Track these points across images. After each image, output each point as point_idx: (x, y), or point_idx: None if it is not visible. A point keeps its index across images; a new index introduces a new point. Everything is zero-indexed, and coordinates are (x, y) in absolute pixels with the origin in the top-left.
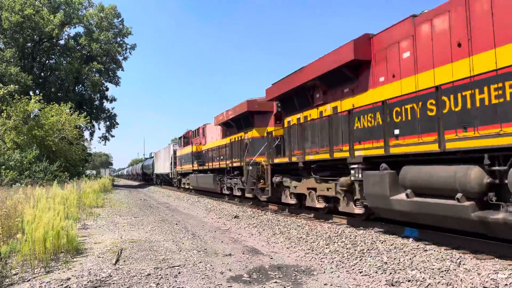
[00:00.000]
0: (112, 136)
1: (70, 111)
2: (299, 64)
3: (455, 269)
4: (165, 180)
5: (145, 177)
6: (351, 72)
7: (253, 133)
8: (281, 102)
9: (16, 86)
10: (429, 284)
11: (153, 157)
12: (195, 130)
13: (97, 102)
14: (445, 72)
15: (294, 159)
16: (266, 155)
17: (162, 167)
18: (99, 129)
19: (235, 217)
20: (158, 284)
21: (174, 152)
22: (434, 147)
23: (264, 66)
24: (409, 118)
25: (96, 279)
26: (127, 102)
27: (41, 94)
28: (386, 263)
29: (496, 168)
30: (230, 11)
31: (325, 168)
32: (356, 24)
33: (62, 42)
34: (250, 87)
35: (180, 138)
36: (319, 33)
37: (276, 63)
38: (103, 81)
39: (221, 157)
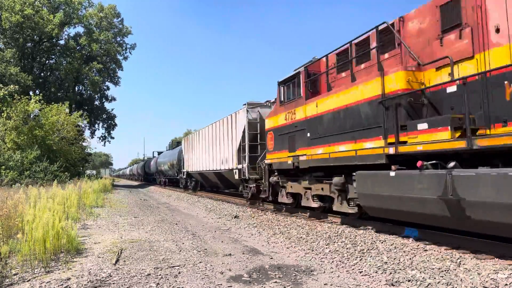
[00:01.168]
0: (112, 138)
1: (68, 109)
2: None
3: (455, 269)
4: (209, 185)
5: (160, 178)
6: None
7: None
8: None
9: (16, 86)
10: (429, 284)
11: (178, 146)
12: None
13: (97, 102)
14: None
15: None
16: None
17: (210, 160)
18: (98, 129)
19: (235, 217)
20: (158, 284)
21: (251, 123)
22: None
23: (266, 68)
24: None
25: (96, 279)
26: (128, 102)
27: (41, 94)
28: (386, 263)
29: None
30: (232, 11)
31: None
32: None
33: (62, 42)
34: (252, 90)
35: (283, 84)
36: (321, 29)
37: (279, 65)
38: (103, 80)
39: None
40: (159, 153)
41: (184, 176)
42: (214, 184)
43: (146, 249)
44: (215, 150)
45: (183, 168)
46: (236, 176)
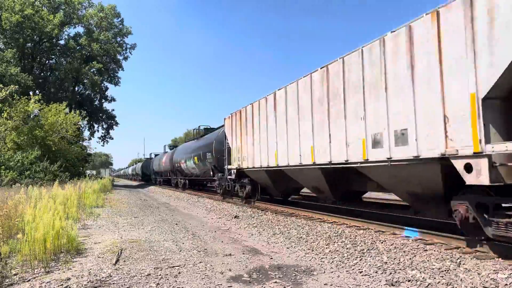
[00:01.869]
0: (111, 138)
1: (68, 109)
2: (305, 66)
3: (455, 269)
4: (283, 191)
5: (177, 178)
6: None
7: None
8: None
9: (16, 87)
10: (429, 284)
11: (206, 134)
12: None
13: (96, 103)
14: None
15: None
16: None
17: (315, 145)
18: (97, 131)
19: (235, 217)
20: (158, 284)
21: None
22: None
23: (266, 69)
24: None
25: (96, 279)
26: (128, 102)
27: (40, 94)
28: (386, 263)
29: None
30: (232, 12)
31: None
32: (356, 24)
33: (62, 42)
34: (251, 91)
35: None
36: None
37: (280, 65)
38: (102, 80)
39: None
40: (172, 147)
41: (232, 177)
42: (298, 187)
43: (146, 249)
44: (333, 123)
45: (229, 164)
46: (472, 179)
